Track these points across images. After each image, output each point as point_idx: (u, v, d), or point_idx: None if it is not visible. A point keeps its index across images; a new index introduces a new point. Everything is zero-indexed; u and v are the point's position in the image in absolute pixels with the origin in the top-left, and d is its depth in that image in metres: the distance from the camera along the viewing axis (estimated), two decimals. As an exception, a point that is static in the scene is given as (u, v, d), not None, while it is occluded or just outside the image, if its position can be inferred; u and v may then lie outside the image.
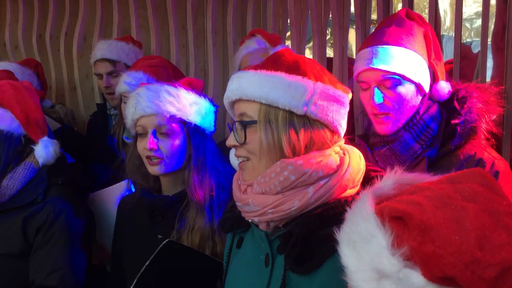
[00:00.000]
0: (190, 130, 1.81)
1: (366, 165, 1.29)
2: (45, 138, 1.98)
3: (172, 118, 1.76)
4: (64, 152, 2.09)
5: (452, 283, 0.73)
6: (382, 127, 1.75)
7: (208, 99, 1.88)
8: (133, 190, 2.02)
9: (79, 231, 1.95)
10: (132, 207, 1.91)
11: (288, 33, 3.14)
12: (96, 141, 2.88)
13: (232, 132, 1.28)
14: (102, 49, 2.95)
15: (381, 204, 0.83)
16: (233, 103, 1.30)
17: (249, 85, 1.23)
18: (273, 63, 1.26)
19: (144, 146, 1.77)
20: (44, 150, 1.94)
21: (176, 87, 1.80)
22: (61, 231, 1.89)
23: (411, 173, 0.93)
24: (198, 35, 3.37)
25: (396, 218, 0.79)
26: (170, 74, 2.36)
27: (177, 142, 1.78)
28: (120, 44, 2.96)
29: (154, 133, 1.77)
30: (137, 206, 1.88)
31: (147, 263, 1.53)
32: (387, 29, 1.75)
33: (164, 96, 1.76)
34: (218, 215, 1.76)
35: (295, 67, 1.24)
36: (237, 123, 1.27)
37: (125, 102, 2.38)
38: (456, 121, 1.70)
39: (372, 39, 1.76)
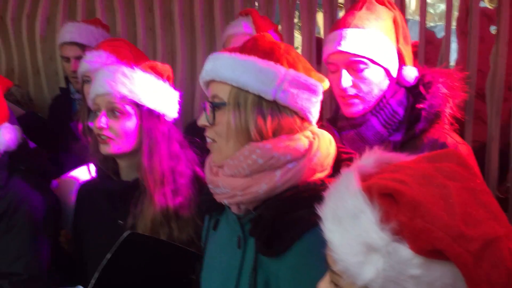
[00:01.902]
0: (143, 113, 1.79)
1: (338, 147, 1.32)
2: (6, 124, 1.93)
3: (123, 98, 1.76)
4: (27, 138, 2.04)
5: (437, 256, 0.78)
6: (350, 110, 1.76)
7: (170, 85, 1.87)
8: (93, 174, 1.99)
9: (43, 217, 1.91)
10: (91, 192, 1.90)
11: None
12: (59, 126, 2.81)
13: (204, 112, 1.30)
14: (71, 32, 2.87)
15: (369, 182, 0.87)
16: (208, 83, 1.32)
17: (222, 67, 1.25)
18: (249, 47, 1.28)
19: (96, 124, 1.77)
20: (5, 137, 1.89)
21: (133, 68, 1.80)
22: (24, 218, 1.86)
23: (389, 153, 0.97)
24: (165, 17, 3.31)
25: (385, 195, 0.83)
26: (131, 54, 2.32)
27: (127, 124, 1.77)
28: (90, 28, 2.88)
29: (105, 113, 1.76)
30: (97, 192, 1.88)
31: (108, 257, 1.48)
32: (357, 12, 1.75)
33: (118, 77, 1.75)
34: (174, 202, 1.75)
35: (269, 53, 1.26)
36: (208, 104, 1.29)
37: (86, 81, 2.34)
38: (421, 105, 1.71)
39: (342, 22, 1.76)
